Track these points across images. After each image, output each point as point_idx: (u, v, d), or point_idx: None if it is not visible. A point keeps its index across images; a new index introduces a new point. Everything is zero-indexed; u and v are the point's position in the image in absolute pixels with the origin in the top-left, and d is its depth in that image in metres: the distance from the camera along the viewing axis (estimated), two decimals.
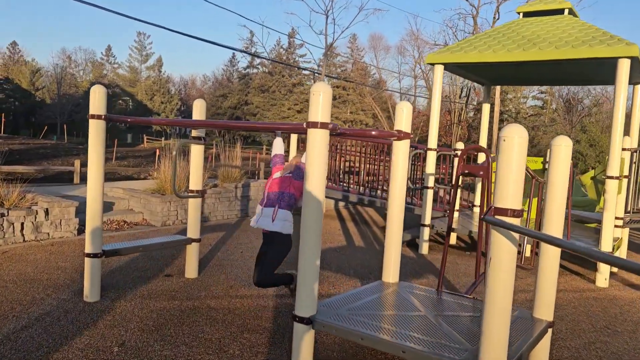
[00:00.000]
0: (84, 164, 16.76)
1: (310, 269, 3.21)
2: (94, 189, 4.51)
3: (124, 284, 5.08)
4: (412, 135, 4.06)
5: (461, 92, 41.87)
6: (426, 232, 7.54)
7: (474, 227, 7.64)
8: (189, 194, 5.34)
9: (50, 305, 4.39)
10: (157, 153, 18.21)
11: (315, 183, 3.18)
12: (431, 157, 7.54)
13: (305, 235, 3.21)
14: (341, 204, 12.26)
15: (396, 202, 4.08)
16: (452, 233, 8.18)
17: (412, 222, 9.89)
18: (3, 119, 32.53)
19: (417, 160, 8.91)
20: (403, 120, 4.01)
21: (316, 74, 42.72)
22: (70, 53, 71.86)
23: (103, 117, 4.45)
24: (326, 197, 10.69)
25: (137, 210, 8.51)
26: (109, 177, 15.91)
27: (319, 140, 3.15)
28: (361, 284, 5.71)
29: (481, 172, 3.82)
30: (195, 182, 5.34)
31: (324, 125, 3.14)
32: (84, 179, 13.53)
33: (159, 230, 7.86)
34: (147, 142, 47.06)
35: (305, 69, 49.28)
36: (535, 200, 8.77)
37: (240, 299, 4.85)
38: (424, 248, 7.53)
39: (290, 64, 49.70)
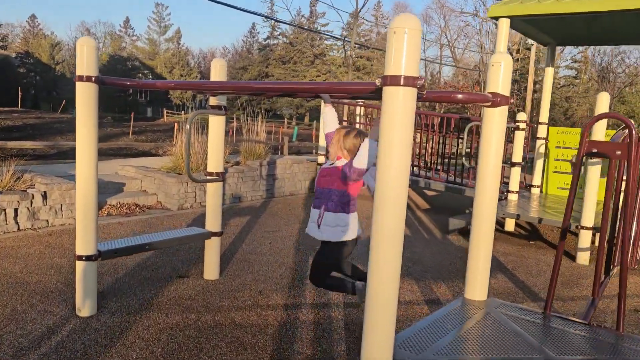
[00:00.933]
0: (99, 139, 15.85)
1: (385, 303, 2.15)
2: (84, 175, 3.49)
3: (129, 289, 4.11)
4: (512, 100, 2.94)
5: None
6: None
7: (532, 212, 6.51)
8: (207, 177, 4.31)
9: (32, 321, 3.43)
10: (175, 127, 17.22)
11: (396, 176, 2.10)
12: None
13: (377, 253, 2.14)
14: None
15: (488, 194, 2.97)
16: (511, 219, 7.05)
17: (455, 204, 8.75)
18: (20, 93, 31.92)
19: (470, 134, 7.72)
20: (500, 79, 2.88)
21: (346, 41, 40.74)
22: (89, 26, 71.05)
23: (94, 79, 3.40)
24: None
25: (150, 191, 7.54)
26: (125, 152, 15.03)
27: (402, 106, 2.05)
28: (417, 285, 4.66)
29: (618, 152, 2.69)
30: (215, 162, 4.30)
31: (410, 81, 2.03)
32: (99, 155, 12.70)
33: (175, 215, 6.89)
34: (167, 116, 46.26)
35: (332, 36, 47.31)
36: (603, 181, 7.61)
37: (273, 311, 3.84)
38: None
39: (316, 31, 47.60)
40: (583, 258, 5.75)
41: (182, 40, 68.09)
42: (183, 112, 47.35)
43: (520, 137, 7.19)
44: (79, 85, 3.41)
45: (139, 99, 62.17)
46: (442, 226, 7.30)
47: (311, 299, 4.12)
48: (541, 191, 8.23)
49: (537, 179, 8.14)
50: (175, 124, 17.74)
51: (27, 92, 53.44)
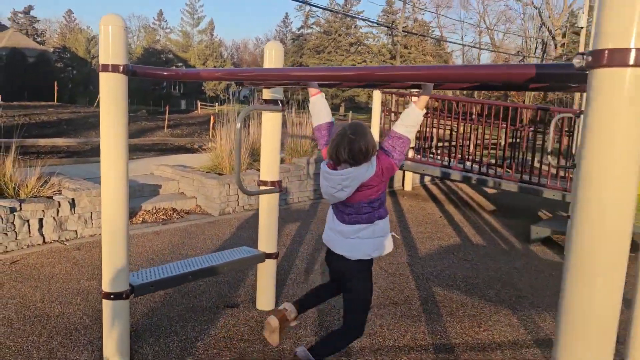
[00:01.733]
0: (133, 135, 15.35)
1: None
2: (112, 188, 2.74)
3: (168, 324, 3.37)
4: None
5: (536, 47, 38.12)
6: None
7: None
8: (261, 187, 3.52)
9: None
10: (212, 120, 16.60)
11: (619, 205, 1.25)
12: None
13: (579, 332, 1.30)
14: (427, 178, 10.25)
15: None
16: None
17: (524, 205, 7.78)
18: (57, 87, 32.03)
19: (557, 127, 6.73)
20: None
21: (394, 27, 39.04)
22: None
23: (122, 68, 2.64)
24: (415, 172, 8.71)
25: (189, 194, 6.84)
26: (160, 147, 14.48)
27: (629, 98, 1.20)
28: (516, 317, 3.78)
29: None
30: (270, 168, 3.51)
31: None
32: (132, 150, 12.12)
33: (217, 222, 6.16)
34: (201, 108, 46.00)
35: (378, 23, 45.54)
36: None
37: (347, 358, 3.04)
38: None
39: (357, 16, 45.83)
40: None
41: (215, 32, 67.87)
42: (217, 103, 47.04)
43: None
44: (104, 77, 2.65)
45: (173, 91, 62.29)
46: (518, 233, 6.37)
47: (392, 339, 3.30)
48: None
49: None
50: (212, 117, 17.13)
51: (65, 86, 53.99)
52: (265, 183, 3.51)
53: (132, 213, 6.03)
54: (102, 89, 2.67)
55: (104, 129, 2.69)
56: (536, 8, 42.95)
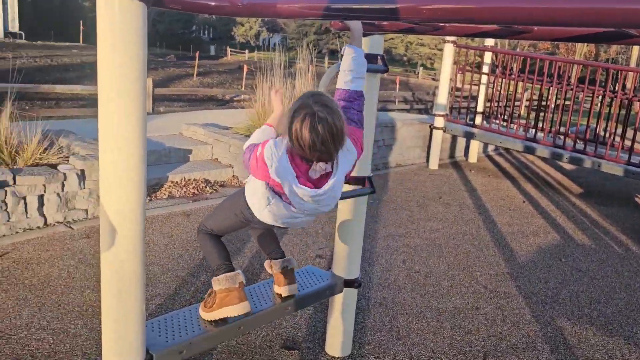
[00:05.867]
0: (160, 83, 14.07)
1: None
2: (122, 162, 1.61)
3: None
4: None
5: None
6: None
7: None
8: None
9: None
10: (245, 69, 15.28)
11: None
12: None
13: None
14: (490, 147, 8.94)
15: None
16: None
17: (612, 186, 6.43)
18: (82, 27, 30.85)
19: None
20: None
21: None
22: None
23: None
24: (488, 143, 7.46)
25: (224, 161, 5.73)
26: (189, 98, 13.32)
27: None
28: None
29: None
30: (362, 160, 2.34)
31: None
32: (159, 100, 10.96)
33: None
34: (230, 54, 44.41)
35: None
36: None
37: None
38: None
39: None
40: None
41: None
42: (247, 50, 45.42)
43: None
44: (106, 5, 1.48)
45: (202, 35, 60.57)
46: (626, 229, 5.13)
47: None
48: None
49: None
50: (245, 66, 15.82)
51: (92, 27, 52.78)
52: (349, 181, 2.35)
53: (157, 185, 4.97)
54: (106, 23, 1.51)
55: (103, 88, 1.54)
56: None
